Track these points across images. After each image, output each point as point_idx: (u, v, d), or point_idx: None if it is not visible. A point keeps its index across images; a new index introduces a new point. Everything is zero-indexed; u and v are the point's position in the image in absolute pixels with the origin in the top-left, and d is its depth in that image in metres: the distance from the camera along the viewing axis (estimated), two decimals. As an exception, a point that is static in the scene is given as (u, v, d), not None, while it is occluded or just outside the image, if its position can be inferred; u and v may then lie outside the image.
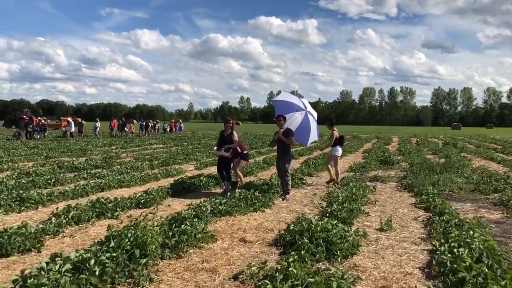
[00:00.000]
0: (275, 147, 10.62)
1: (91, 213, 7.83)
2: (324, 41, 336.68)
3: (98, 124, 44.00)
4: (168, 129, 54.21)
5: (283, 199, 10.08)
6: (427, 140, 39.13)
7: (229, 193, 9.71)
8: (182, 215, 7.14)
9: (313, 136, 10.77)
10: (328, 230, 6.25)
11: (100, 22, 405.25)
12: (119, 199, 8.78)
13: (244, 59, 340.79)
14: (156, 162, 17.33)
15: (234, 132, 10.96)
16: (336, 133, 13.03)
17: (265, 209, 8.88)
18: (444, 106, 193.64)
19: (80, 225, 7.39)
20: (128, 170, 14.70)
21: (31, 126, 36.33)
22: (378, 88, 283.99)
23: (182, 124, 58.26)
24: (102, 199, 8.42)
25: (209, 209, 7.87)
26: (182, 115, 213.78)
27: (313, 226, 6.36)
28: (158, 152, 23.63)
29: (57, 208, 7.93)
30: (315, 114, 10.99)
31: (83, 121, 44.65)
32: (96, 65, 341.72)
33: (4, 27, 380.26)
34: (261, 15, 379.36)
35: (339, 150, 13.17)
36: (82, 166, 15.59)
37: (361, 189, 10.91)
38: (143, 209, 8.80)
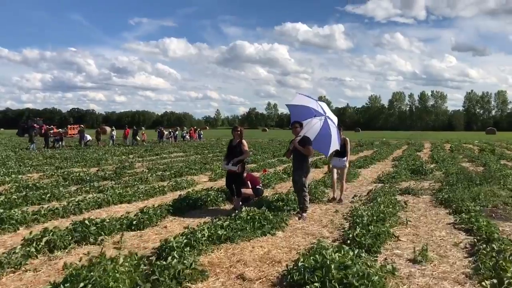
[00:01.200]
0: (291, 158, 9.33)
1: (70, 238, 6.68)
2: (351, 46, 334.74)
3: (114, 132, 42.99)
4: (187, 137, 53.27)
5: (299, 218, 8.77)
6: (461, 146, 37.09)
7: (236, 211, 8.48)
8: (171, 244, 5.92)
9: (335, 144, 9.40)
10: (346, 266, 4.93)
11: (129, 32, 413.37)
12: (107, 220, 7.60)
13: (271, 65, 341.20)
14: (168, 172, 16.23)
15: (244, 141, 9.70)
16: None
17: (277, 232, 7.57)
18: (477, 110, 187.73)
19: (52, 254, 6.24)
20: (136, 183, 13.62)
21: (51, 135, 35.85)
22: (408, 92, 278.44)
23: (201, 132, 57.14)
24: (87, 221, 7.25)
25: (207, 234, 6.59)
26: (209, 122, 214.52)
27: (328, 261, 5.04)
28: (175, 161, 22.57)
29: (30, 232, 6.80)
30: (335, 119, 9.63)
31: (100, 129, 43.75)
32: (126, 74, 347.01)
33: (38, 38, 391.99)
34: (287, 21, 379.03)
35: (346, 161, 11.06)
36: (89, 178, 14.58)
37: (390, 206, 9.51)
38: (137, 231, 7.64)
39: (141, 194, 11.21)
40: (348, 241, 6.62)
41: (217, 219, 7.73)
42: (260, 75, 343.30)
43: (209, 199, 10.16)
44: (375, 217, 8.10)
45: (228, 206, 10.16)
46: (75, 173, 15.70)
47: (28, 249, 6.06)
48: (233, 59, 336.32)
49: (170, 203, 9.55)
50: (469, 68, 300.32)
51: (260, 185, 11.06)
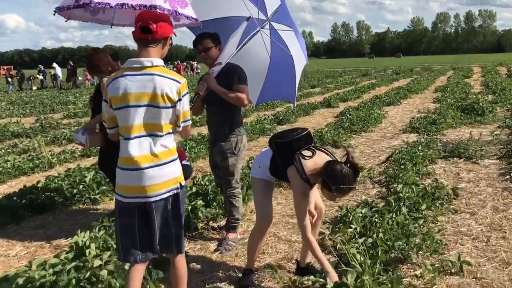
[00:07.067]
0: (205, 114, 4.41)
1: None
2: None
3: (58, 70, 30.92)
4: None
5: (216, 249, 4.04)
6: (520, 69, 30.54)
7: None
8: None
9: (295, 76, 4.41)
10: None
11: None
12: None
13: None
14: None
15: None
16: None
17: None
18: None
19: None
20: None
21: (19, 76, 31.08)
22: (453, 13, 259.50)
23: (198, 65, 46.55)
24: None
25: None
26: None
27: None
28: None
29: None
30: (292, 29, 4.40)
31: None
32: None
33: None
34: None
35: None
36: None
37: (423, 201, 4.64)
38: None
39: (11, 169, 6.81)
40: None
41: None
42: (294, 2, 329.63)
43: (77, 189, 5.45)
44: (382, 258, 3.32)
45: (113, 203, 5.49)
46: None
47: None
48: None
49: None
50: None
51: (187, 159, 6.16)
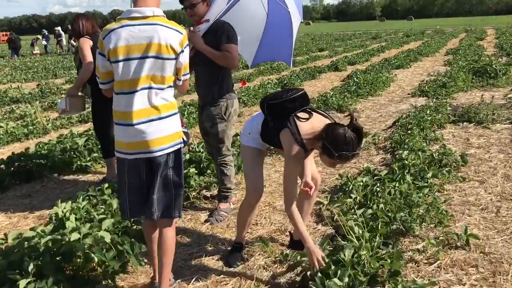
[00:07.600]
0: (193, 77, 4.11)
1: None
2: None
3: (62, 35, 29.83)
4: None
5: (207, 219, 3.83)
6: (536, 31, 29.56)
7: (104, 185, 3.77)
8: None
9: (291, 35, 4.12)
10: None
11: None
12: None
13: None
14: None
15: (83, 42, 4.34)
16: None
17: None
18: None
19: None
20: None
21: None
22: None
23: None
24: None
25: None
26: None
27: None
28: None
29: None
30: None
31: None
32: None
33: None
34: None
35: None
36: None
37: (431, 165, 4.39)
38: None
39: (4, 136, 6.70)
40: None
41: None
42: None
43: (68, 156, 5.23)
44: (383, 231, 3.06)
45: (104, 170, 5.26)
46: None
47: None
48: None
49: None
50: None
51: (185, 126, 5.89)
